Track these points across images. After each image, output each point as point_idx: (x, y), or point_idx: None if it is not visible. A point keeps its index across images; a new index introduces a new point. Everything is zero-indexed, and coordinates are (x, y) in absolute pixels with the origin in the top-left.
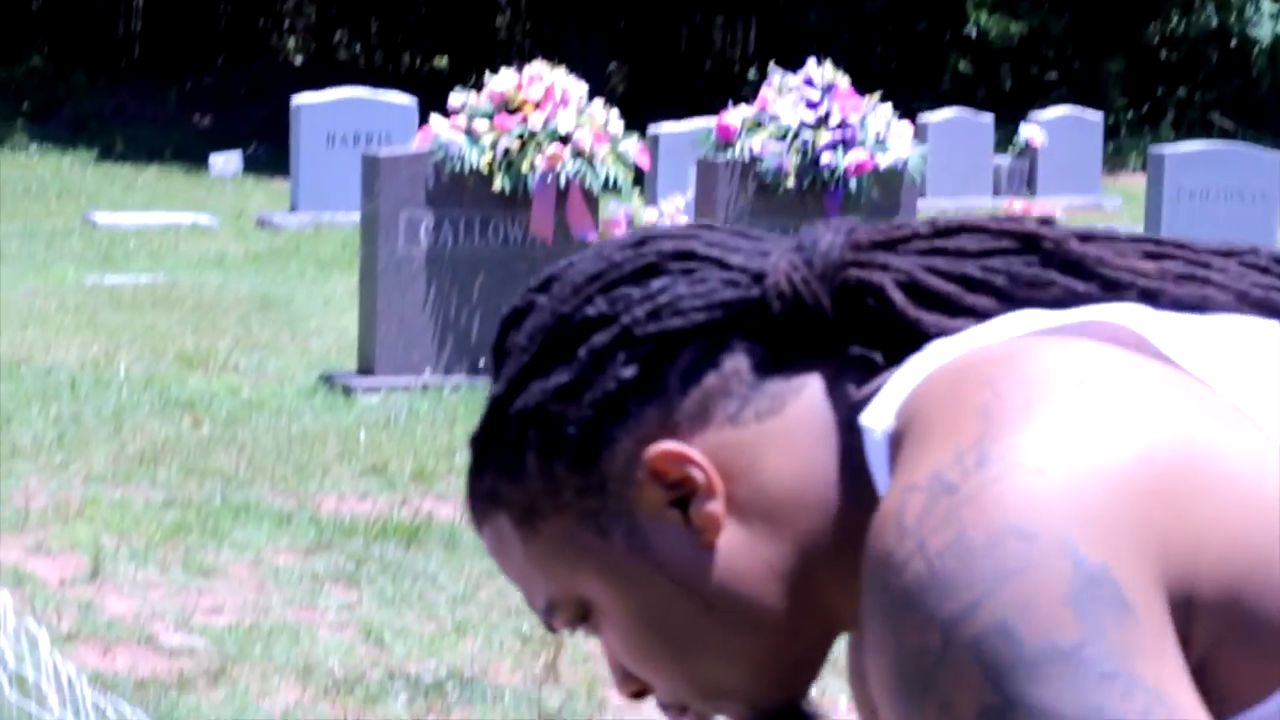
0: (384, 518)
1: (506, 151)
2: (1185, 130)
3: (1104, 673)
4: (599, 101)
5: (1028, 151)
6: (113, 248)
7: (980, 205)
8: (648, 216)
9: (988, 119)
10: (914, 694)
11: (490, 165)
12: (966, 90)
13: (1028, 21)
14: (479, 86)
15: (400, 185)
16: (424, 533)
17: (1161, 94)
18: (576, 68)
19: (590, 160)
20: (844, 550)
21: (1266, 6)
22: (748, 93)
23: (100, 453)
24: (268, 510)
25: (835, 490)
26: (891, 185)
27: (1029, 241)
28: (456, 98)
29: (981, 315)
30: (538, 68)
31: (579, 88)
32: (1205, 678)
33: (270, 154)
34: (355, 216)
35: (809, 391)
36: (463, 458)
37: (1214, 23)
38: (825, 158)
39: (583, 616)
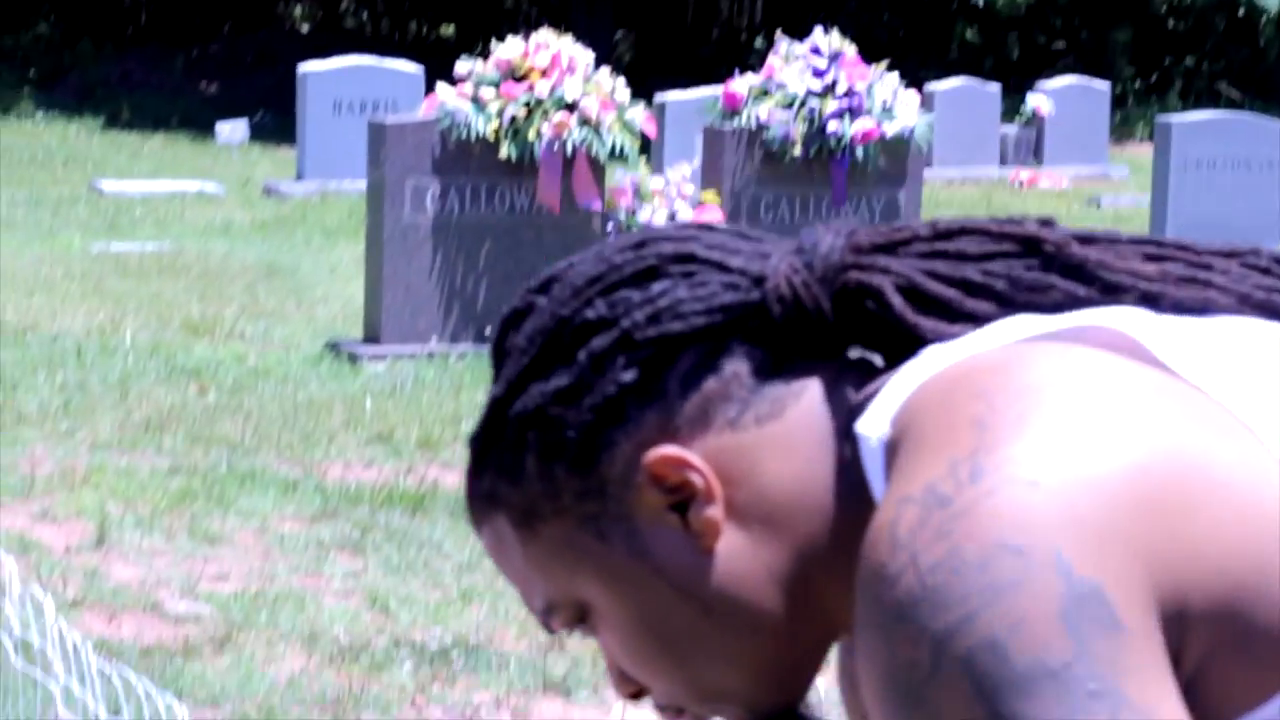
0: (390, 485)
1: (513, 119)
2: (1192, 100)
3: (1092, 691)
4: (605, 69)
5: (1035, 121)
6: (119, 215)
7: (987, 174)
8: (654, 184)
9: (995, 88)
10: (904, 706)
11: (496, 133)
12: (974, 59)
13: None
14: (485, 54)
15: (406, 153)
16: (429, 501)
17: (1169, 63)
18: (583, 35)
19: (597, 128)
20: (842, 555)
21: None
22: (754, 61)
23: (106, 420)
24: (273, 478)
25: (833, 495)
26: (898, 154)
27: (1030, 245)
28: (463, 65)
29: (981, 320)
30: (544, 35)
31: (585, 55)
32: (1200, 685)
33: (276, 122)
34: (361, 184)
35: (809, 396)
36: (469, 425)
37: None
38: (832, 126)
39: (581, 618)
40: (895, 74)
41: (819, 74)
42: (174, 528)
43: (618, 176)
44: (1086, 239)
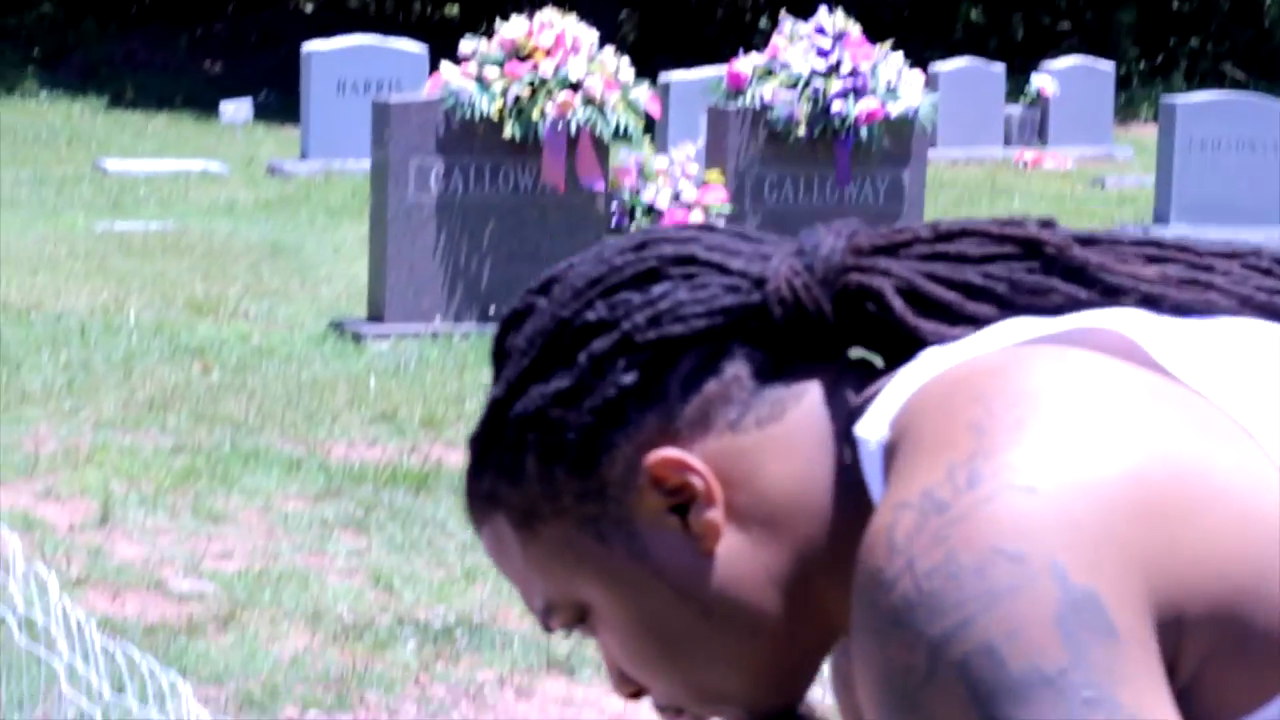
0: (393, 464)
1: (517, 99)
2: (1197, 80)
3: (1087, 698)
4: (610, 49)
5: (1039, 101)
6: (123, 194)
7: (991, 155)
8: (658, 164)
9: (999, 68)
10: (899, 711)
11: (501, 112)
12: (978, 39)
13: None
14: (490, 34)
15: (411, 132)
16: (433, 479)
17: (1173, 44)
18: (587, 15)
19: (601, 108)
20: (841, 557)
21: None
22: (759, 41)
23: (110, 399)
24: (277, 456)
25: (833, 497)
26: (902, 134)
27: (1031, 247)
28: (467, 45)
29: (982, 323)
30: (548, 15)
31: (590, 35)
32: (1197, 689)
33: (281, 101)
34: (366, 164)
35: (809, 398)
36: (473, 405)
37: None
38: (836, 106)
39: (580, 619)
40: (899, 54)
41: (823, 54)
42: (178, 506)
43: (622, 156)
44: (1087, 240)
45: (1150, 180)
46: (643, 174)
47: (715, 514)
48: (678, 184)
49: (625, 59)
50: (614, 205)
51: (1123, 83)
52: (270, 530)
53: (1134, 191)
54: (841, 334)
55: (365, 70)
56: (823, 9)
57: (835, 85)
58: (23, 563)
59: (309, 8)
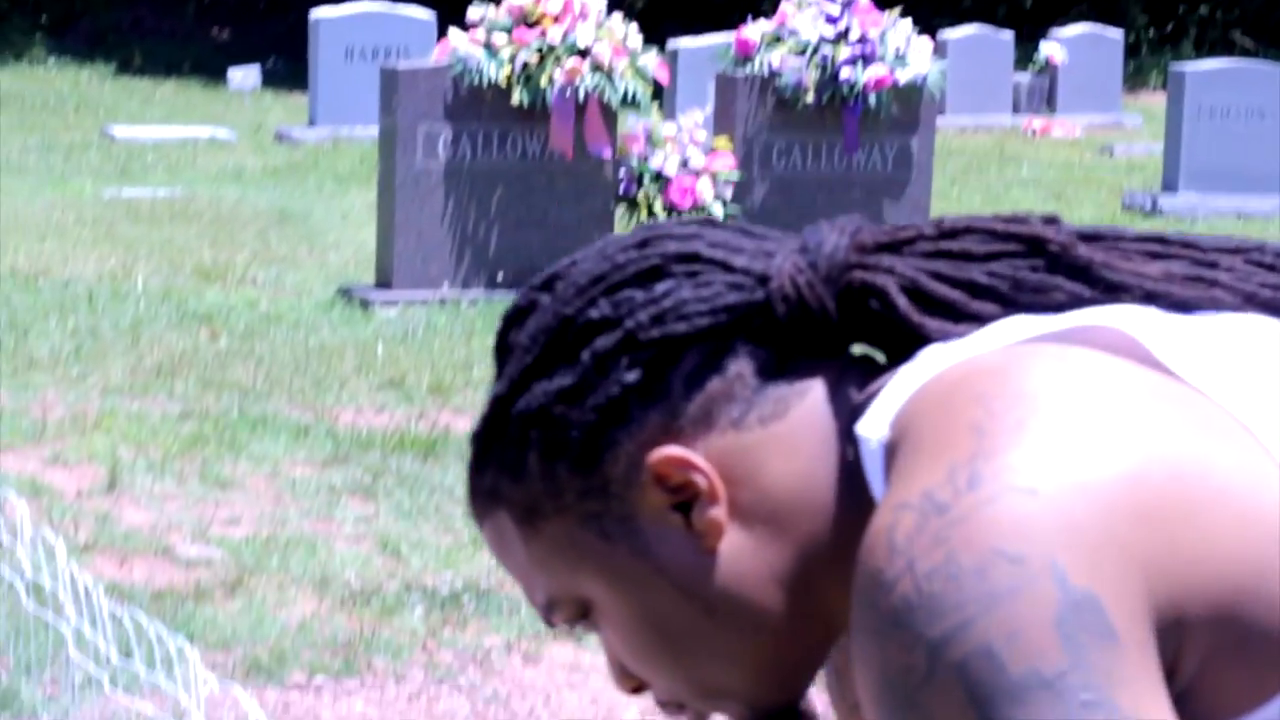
0: (401, 431)
1: (525, 65)
2: (1206, 48)
3: (1085, 701)
4: (618, 15)
5: (1048, 69)
6: (130, 161)
7: (999, 123)
8: (666, 131)
9: (1008, 36)
10: (898, 711)
11: (509, 79)
12: (987, 7)
13: None
14: (498, 0)
15: (419, 99)
16: (441, 446)
17: (1183, 12)
18: None
19: (609, 74)
20: (843, 554)
21: None
22: (767, 7)
23: (118, 365)
24: (285, 423)
25: (836, 495)
26: (911, 101)
27: (1035, 245)
28: (475, 11)
29: (985, 321)
30: None
31: (598, 1)
32: (1197, 689)
33: (288, 68)
34: (374, 130)
35: (812, 396)
36: (480, 371)
37: None
38: (844, 73)
39: (582, 614)
40: (908, 21)
41: (832, 20)
42: (185, 472)
43: (630, 123)
44: (1091, 237)
45: (1159, 148)
46: (651, 141)
47: (718, 512)
48: (686, 151)
49: (633, 25)
50: (622, 172)
51: (1131, 50)
52: (278, 496)
53: (1142, 159)
54: (844, 331)
55: (373, 37)
56: None
57: (844, 52)
58: (31, 528)
59: None
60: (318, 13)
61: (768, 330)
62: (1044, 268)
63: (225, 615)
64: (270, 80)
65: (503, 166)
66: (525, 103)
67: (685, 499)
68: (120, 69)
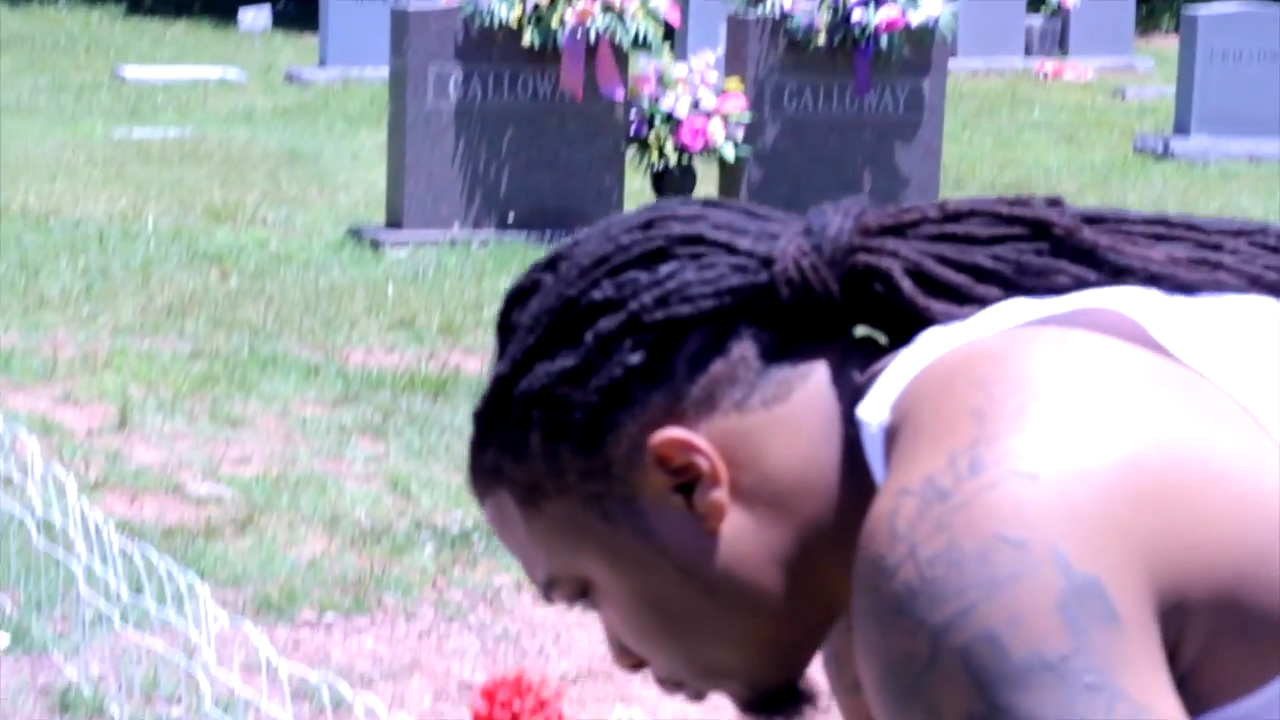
0: (411, 370)
1: (536, 6)
2: None
3: (1089, 684)
4: None
5: (1060, 12)
6: (141, 102)
7: (1011, 65)
8: (677, 73)
9: None
10: (902, 697)
11: (520, 20)
12: None
13: None
14: None
15: (429, 40)
16: (451, 386)
17: None
18: None
19: (620, 15)
20: (844, 536)
21: None
22: None
23: (128, 304)
24: (295, 362)
25: (838, 477)
26: (922, 44)
27: (1039, 228)
28: None
29: (989, 304)
30: None
31: None
32: (1199, 672)
33: (299, 9)
34: (384, 71)
35: (815, 378)
36: (491, 312)
37: None
38: (856, 15)
39: (583, 593)
40: None
41: None
42: (195, 411)
43: (641, 64)
44: (1094, 219)
45: (1171, 91)
46: (662, 82)
47: (720, 494)
48: (697, 92)
49: None
50: (633, 113)
51: None
52: (288, 435)
53: (1154, 102)
54: (848, 313)
55: None
56: None
57: None
58: (41, 466)
59: None
60: None
61: (771, 312)
62: (1048, 251)
63: (236, 553)
64: (281, 21)
65: (513, 107)
66: (536, 44)
67: (687, 481)
68: (131, 9)
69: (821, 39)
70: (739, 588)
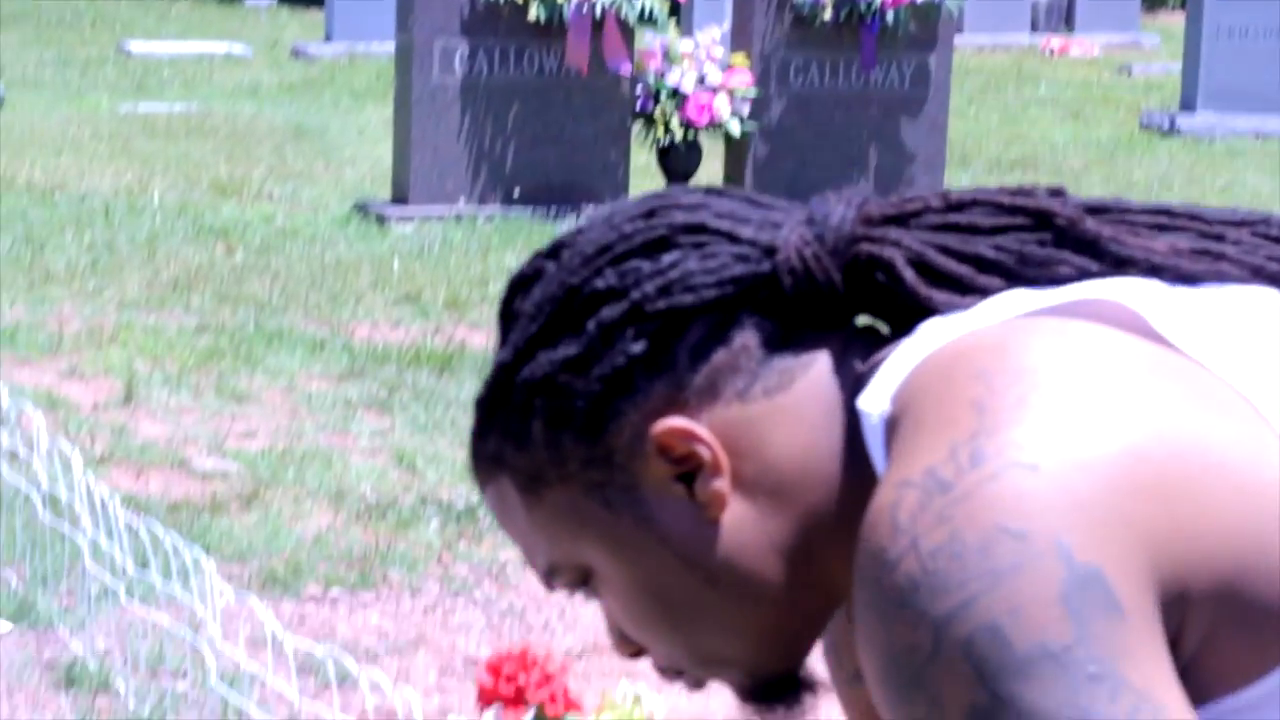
0: (417, 345)
1: None
2: None
3: (1092, 674)
4: None
5: None
6: (147, 77)
7: (1018, 41)
8: (683, 48)
9: None
10: (904, 689)
11: None
12: None
13: None
14: None
15: (435, 14)
16: (457, 360)
17: None
18: None
19: None
20: (845, 525)
21: None
22: None
23: (134, 279)
24: (301, 337)
25: (839, 467)
26: (929, 19)
27: (1042, 218)
28: None
29: (990, 294)
30: None
31: None
32: (1201, 662)
33: None
34: (390, 46)
35: (817, 367)
36: (496, 287)
37: None
38: None
39: (583, 581)
40: None
41: None
42: (201, 385)
43: (647, 39)
44: (1097, 209)
45: (1177, 68)
46: (668, 57)
47: (721, 483)
48: (703, 67)
49: None
50: (639, 88)
51: None
52: (294, 410)
53: (1160, 79)
54: (850, 302)
55: None
56: None
57: None
58: (47, 440)
59: None
60: None
61: (773, 302)
62: (1051, 242)
63: (241, 527)
64: None
65: (519, 82)
66: (542, 18)
67: (688, 470)
68: None
69: (827, 14)
70: (739, 577)
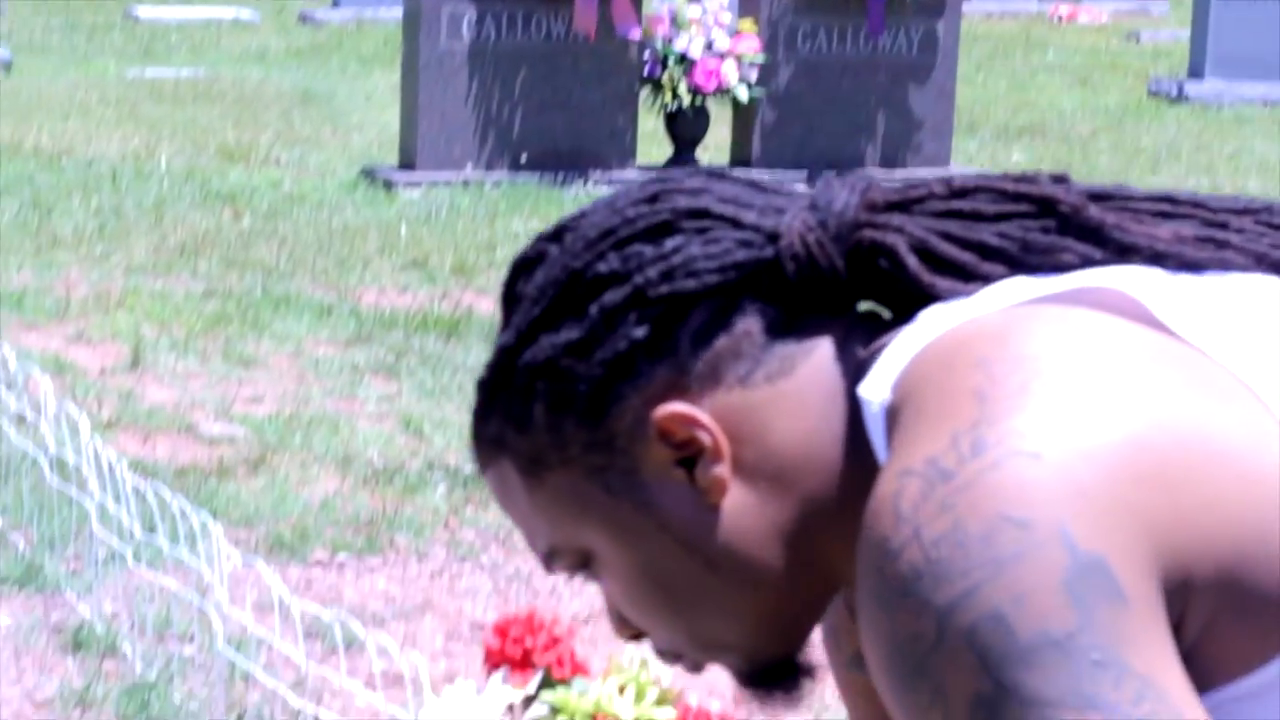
0: (424, 311)
1: None
2: None
3: (1096, 661)
4: None
5: None
6: (154, 42)
7: (1025, 8)
8: (691, 13)
9: None
10: (908, 678)
11: None
12: None
13: None
14: None
15: None
16: (464, 326)
17: None
18: None
19: None
20: (845, 511)
21: None
22: None
23: (141, 244)
24: (308, 302)
25: (840, 453)
26: None
27: (1045, 206)
28: None
29: (993, 281)
30: None
31: None
32: (1201, 650)
33: None
34: (397, 12)
35: (819, 353)
36: (503, 252)
37: None
38: None
39: (584, 564)
40: None
41: None
42: (208, 350)
43: (655, 5)
44: (1101, 197)
45: (1185, 34)
46: (675, 23)
47: (722, 469)
48: (711, 33)
49: None
50: (646, 54)
51: None
52: (301, 375)
53: (1169, 45)
54: (852, 288)
55: None
56: None
57: None
58: (54, 404)
59: None
60: None
61: (776, 287)
62: (1055, 229)
63: (248, 492)
64: None
65: (527, 48)
66: None
67: (690, 455)
68: None
69: None
70: (739, 562)
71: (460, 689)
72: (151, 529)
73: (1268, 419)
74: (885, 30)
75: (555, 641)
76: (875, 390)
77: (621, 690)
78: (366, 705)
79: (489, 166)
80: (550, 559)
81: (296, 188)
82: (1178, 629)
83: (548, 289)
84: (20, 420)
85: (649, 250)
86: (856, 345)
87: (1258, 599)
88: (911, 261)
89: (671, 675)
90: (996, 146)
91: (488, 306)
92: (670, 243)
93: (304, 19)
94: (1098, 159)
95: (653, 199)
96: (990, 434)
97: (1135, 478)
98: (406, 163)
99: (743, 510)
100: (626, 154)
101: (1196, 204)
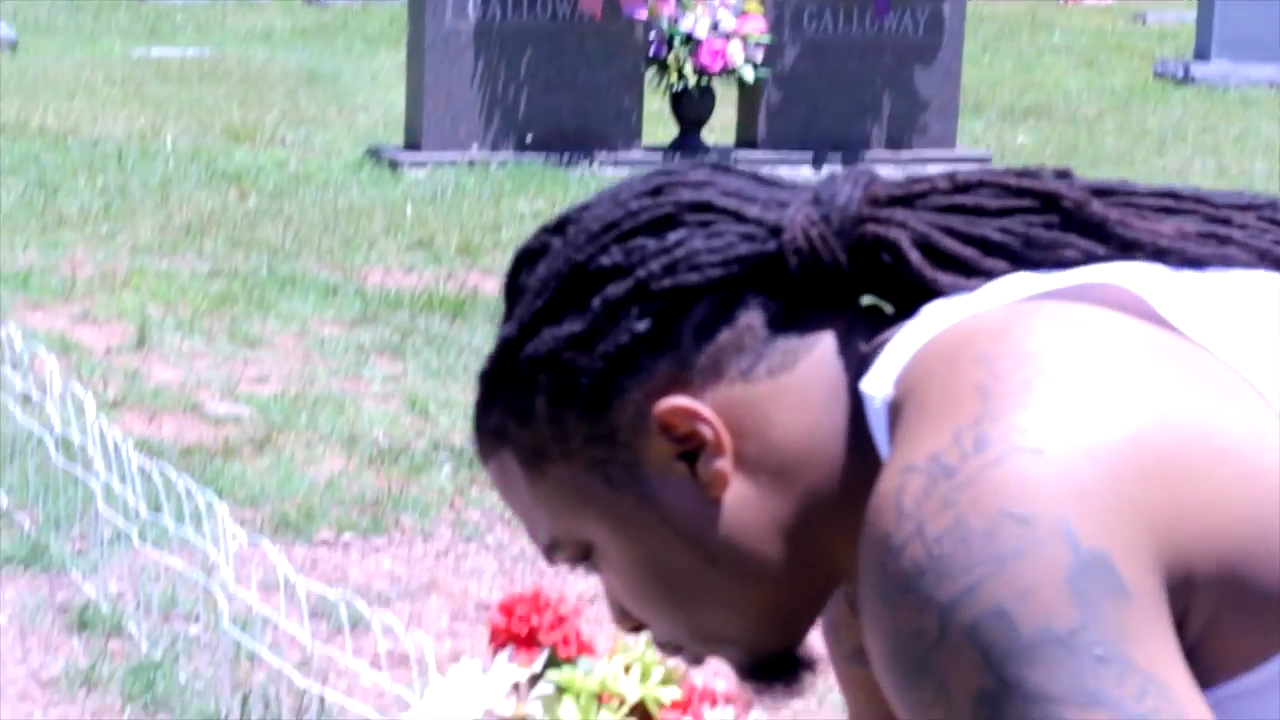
0: (429, 291)
1: None
2: None
3: (1099, 657)
4: None
5: None
6: (159, 21)
7: None
8: None
9: None
10: (911, 674)
11: None
12: None
13: None
14: None
15: None
16: (469, 306)
17: None
18: None
19: None
20: (847, 505)
21: None
22: None
23: (147, 223)
24: (314, 282)
25: (842, 448)
26: None
27: (1048, 201)
28: None
29: (996, 277)
30: None
31: None
32: (1203, 647)
33: None
34: None
35: (821, 347)
36: (509, 233)
37: None
38: None
39: (584, 556)
40: None
41: None
42: (214, 330)
43: None
44: (1104, 192)
45: (1192, 16)
46: (681, 3)
47: (724, 463)
48: (716, 13)
49: None
50: (652, 34)
51: None
52: (306, 355)
53: (1175, 27)
54: (855, 282)
55: None
56: None
57: None
58: (60, 384)
59: None
60: None
61: (778, 281)
62: (1057, 225)
63: (254, 472)
64: None
65: (533, 27)
66: None
67: (691, 449)
68: None
69: None
70: (740, 556)
71: (465, 668)
72: (157, 508)
73: (1270, 415)
74: (891, 11)
75: (561, 620)
76: (877, 385)
77: (627, 669)
78: (372, 685)
79: (494, 146)
80: (551, 551)
81: (302, 168)
82: (1180, 625)
83: (550, 281)
84: (26, 400)
85: (652, 243)
86: (859, 340)
87: (1259, 596)
88: (914, 256)
89: None
90: (1002, 127)
91: (493, 287)
92: (673, 236)
93: None
94: (1103, 140)
95: (656, 191)
96: (993, 430)
97: (1138, 474)
98: (412, 143)
99: (744, 504)
100: (632, 134)
101: (1199, 200)
